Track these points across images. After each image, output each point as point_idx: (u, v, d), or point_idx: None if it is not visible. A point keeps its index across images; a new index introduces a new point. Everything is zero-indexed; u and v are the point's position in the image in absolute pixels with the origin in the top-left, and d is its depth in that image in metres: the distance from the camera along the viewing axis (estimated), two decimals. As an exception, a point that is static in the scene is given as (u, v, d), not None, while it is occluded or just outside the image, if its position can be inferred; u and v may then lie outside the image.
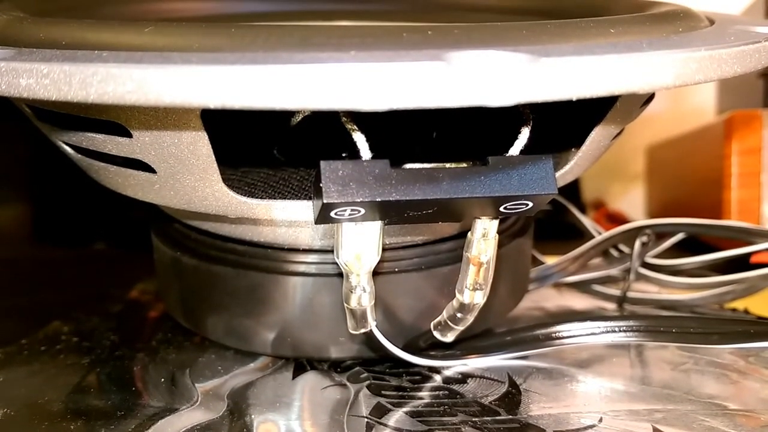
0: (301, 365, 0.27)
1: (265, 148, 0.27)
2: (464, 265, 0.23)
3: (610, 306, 0.37)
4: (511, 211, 0.21)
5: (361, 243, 0.21)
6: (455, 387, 0.25)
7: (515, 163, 0.20)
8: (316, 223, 0.21)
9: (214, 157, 0.21)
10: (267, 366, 0.27)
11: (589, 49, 0.17)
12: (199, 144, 0.20)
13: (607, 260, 0.39)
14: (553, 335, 0.26)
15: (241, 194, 0.22)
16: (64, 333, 0.30)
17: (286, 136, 0.26)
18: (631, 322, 0.27)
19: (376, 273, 0.25)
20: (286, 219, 0.23)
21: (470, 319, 0.24)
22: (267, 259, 0.26)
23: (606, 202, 0.77)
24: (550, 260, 0.39)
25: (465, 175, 0.20)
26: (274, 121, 0.25)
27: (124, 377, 0.25)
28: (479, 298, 0.23)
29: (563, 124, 0.25)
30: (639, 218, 0.68)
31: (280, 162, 0.26)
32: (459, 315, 0.24)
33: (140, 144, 0.21)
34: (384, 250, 0.25)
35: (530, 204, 0.21)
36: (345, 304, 0.23)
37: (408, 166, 0.20)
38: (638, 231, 0.37)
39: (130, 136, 0.21)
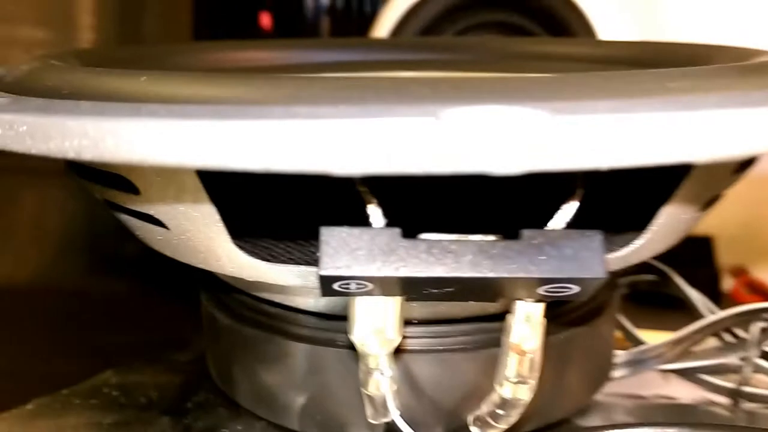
0: (330, 447, 0.24)
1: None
2: (503, 353, 0.20)
3: (723, 400, 0.31)
4: (554, 294, 0.18)
5: (376, 320, 0.19)
6: (493, 497, 0.21)
7: (554, 239, 0.17)
8: (322, 295, 0.18)
9: (219, 216, 0.19)
10: (295, 444, 0.24)
11: (629, 107, 0.13)
12: (201, 202, 0.19)
13: (722, 345, 0.33)
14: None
15: (258, 258, 0.20)
16: (109, 384, 0.30)
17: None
18: None
19: (412, 351, 0.22)
20: (299, 285, 0.20)
21: (515, 416, 0.20)
22: (296, 325, 0.24)
23: (749, 269, 0.68)
24: (650, 338, 0.33)
25: (491, 251, 0.17)
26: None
27: None
28: (524, 394, 0.20)
29: (636, 191, 0.21)
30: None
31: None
32: (500, 411, 0.20)
33: (148, 200, 0.20)
34: (423, 323, 0.23)
35: (575, 288, 0.17)
36: (362, 389, 0.20)
37: (423, 236, 0.17)
38: (755, 314, 0.31)
39: (138, 192, 0.20)
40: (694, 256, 0.66)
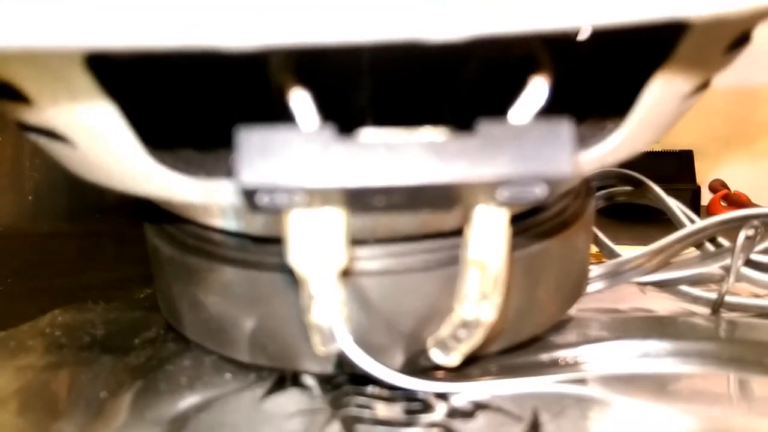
0: (282, 380, 0.22)
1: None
2: (463, 268, 0.17)
3: (703, 311, 0.29)
4: (517, 198, 0.15)
5: (317, 239, 0.16)
6: (456, 423, 0.19)
7: (515, 131, 0.14)
8: (249, 211, 0.16)
9: (124, 121, 0.16)
10: (247, 378, 0.22)
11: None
12: (96, 103, 0.16)
13: (702, 255, 0.31)
14: (592, 358, 0.20)
15: (180, 172, 0.18)
16: (54, 325, 0.28)
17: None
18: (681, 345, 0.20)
19: (363, 273, 0.20)
20: (232, 203, 0.18)
21: (478, 337, 0.19)
22: (236, 250, 0.22)
23: (727, 183, 0.67)
24: (628, 251, 0.32)
25: (441, 150, 0.14)
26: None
27: (60, 391, 0.22)
28: (487, 314, 0.18)
29: (612, 79, 0.18)
30: (769, 204, 0.58)
31: None
32: (462, 333, 0.18)
33: (43, 110, 0.17)
34: (381, 242, 0.20)
35: (538, 190, 0.15)
36: (306, 318, 0.18)
37: (362, 135, 0.15)
38: (743, 221, 0.29)
39: (29, 100, 0.17)
40: (675, 170, 0.65)
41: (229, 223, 0.21)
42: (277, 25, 0.10)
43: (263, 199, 0.15)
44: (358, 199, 0.15)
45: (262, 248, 0.21)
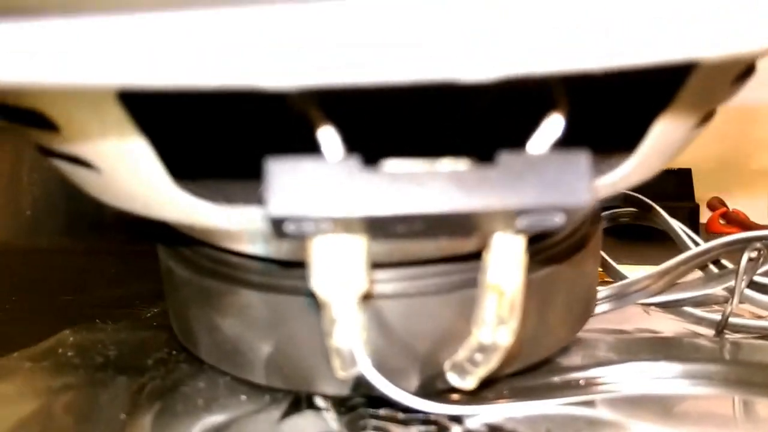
0: (297, 402, 0.22)
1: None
2: (481, 293, 0.18)
3: (707, 332, 0.30)
4: (534, 226, 0.16)
5: (340, 264, 0.17)
6: (472, 446, 0.20)
7: (535, 163, 0.15)
8: (275, 238, 0.16)
9: (153, 152, 0.17)
10: (261, 400, 0.22)
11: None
12: (128, 136, 0.16)
13: (706, 277, 0.32)
14: (603, 380, 0.20)
15: (206, 199, 0.18)
16: (66, 345, 0.28)
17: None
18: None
19: (380, 296, 0.20)
20: (257, 229, 0.18)
21: (495, 360, 0.19)
22: (255, 274, 0.22)
23: (726, 201, 0.67)
24: (633, 272, 0.32)
25: (463, 180, 0.15)
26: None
27: (79, 412, 0.22)
28: (504, 338, 0.18)
29: (626, 109, 0.19)
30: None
31: None
32: (479, 357, 0.19)
33: (70, 137, 0.17)
34: (397, 265, 0.21)
35: (557, 218, 0.15)
36: (326, 341, 0.18)
37: (386, 166, 0.15)
38: (746, 243, 0.30)
39: (57, 128, 0.17)
40: (673, 188, 0.65)
41: (251, 248, 0.22)
42: (317, 65, 0.11)
43: (290, 227, 0.15)
44: (380, 227, 0.16)
45: (282, 272, 0.22)
